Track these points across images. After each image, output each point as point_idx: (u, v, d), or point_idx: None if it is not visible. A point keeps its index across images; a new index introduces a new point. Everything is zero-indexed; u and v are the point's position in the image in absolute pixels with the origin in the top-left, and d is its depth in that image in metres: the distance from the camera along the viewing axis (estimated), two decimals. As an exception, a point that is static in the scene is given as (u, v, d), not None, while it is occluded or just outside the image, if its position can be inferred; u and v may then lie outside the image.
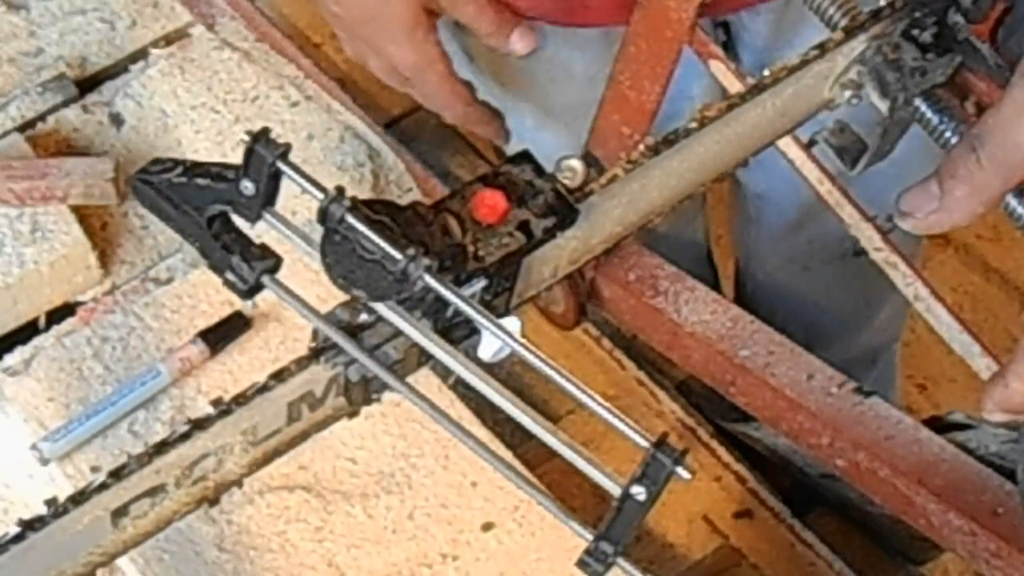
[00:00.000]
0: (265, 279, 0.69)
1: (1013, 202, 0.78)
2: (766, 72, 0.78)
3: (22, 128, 1.21)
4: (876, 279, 0.95)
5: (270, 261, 0.69)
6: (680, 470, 0.60)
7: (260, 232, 0.70)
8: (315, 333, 0.70)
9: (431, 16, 1.04)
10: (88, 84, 1.26)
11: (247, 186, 0.67)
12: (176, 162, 0.68)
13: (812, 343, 1.05)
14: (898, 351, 1.71)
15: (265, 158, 0.65)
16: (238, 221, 0.69)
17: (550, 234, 0.71)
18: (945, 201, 0.72)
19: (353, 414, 0.73)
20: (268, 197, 0.67)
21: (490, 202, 0.70)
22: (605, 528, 0.63)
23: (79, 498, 0.66)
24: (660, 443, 0.61)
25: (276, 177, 0.66)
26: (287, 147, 0.65)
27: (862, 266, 0.96)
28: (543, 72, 1.31)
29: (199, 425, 0.68)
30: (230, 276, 0.69)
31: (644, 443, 0.61)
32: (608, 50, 1.07)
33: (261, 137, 0.65)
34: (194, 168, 0.68)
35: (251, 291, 0.69)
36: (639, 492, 0.61)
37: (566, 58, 1.29)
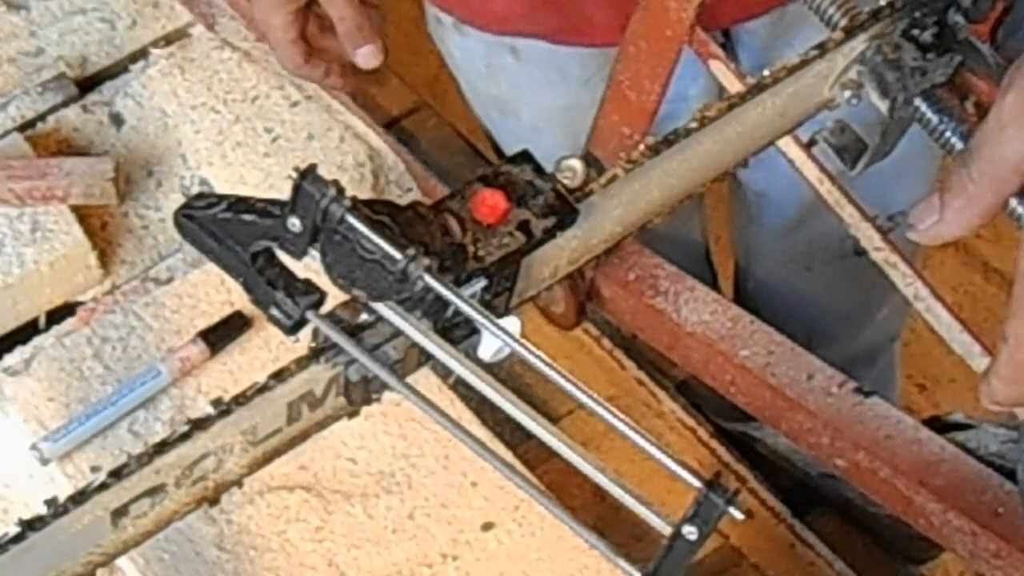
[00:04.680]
0: (310, 314, 0.68)
1: (1013, 202, 0.78)
2: (766, 72, 0.78)
3: (22, 128, 1.21)
4: (877, 277, 0.95)
5: (314, 296, 0.68)
6: (733, 510, 0.60)
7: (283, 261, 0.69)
8: (315, 333, 0.70)
9: None
10: (88, 84, 1.26)
11: (294, 223, 0.66)
12: (220, 197, 0.68)
13: (813, 341, 1.05)
14: (898, 350, 1.71)
15: (314, 196, 0.64)
16: (281, 255, 0.68)
17: (550, 234, 0.71)
18: (944, 214, 0.75)
19: (353, 414, 0.73)
20: (315, 234, 0.66)
21: (490, 202, 0.70)
22: (654, 567, 0.62)
23: (79, 498, 0.66)
24: (712, 483, 0.61)
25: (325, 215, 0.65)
26: (338, 185, 0.64)
27: (863, 265, 0.96)
28: (540, 74, 1.31)
29: (199, 425, 0.68)
30: (274, 312, 0.68)
31: (696, 483, 0.61)
32: (604, 53, 1.07)
33: (308, 174, 0.64)
34: (239, 203, 0.67)
35: (296, 327, 0.68)
36: (690, 532, 0.61)
37: (563, 61, 1.29)
